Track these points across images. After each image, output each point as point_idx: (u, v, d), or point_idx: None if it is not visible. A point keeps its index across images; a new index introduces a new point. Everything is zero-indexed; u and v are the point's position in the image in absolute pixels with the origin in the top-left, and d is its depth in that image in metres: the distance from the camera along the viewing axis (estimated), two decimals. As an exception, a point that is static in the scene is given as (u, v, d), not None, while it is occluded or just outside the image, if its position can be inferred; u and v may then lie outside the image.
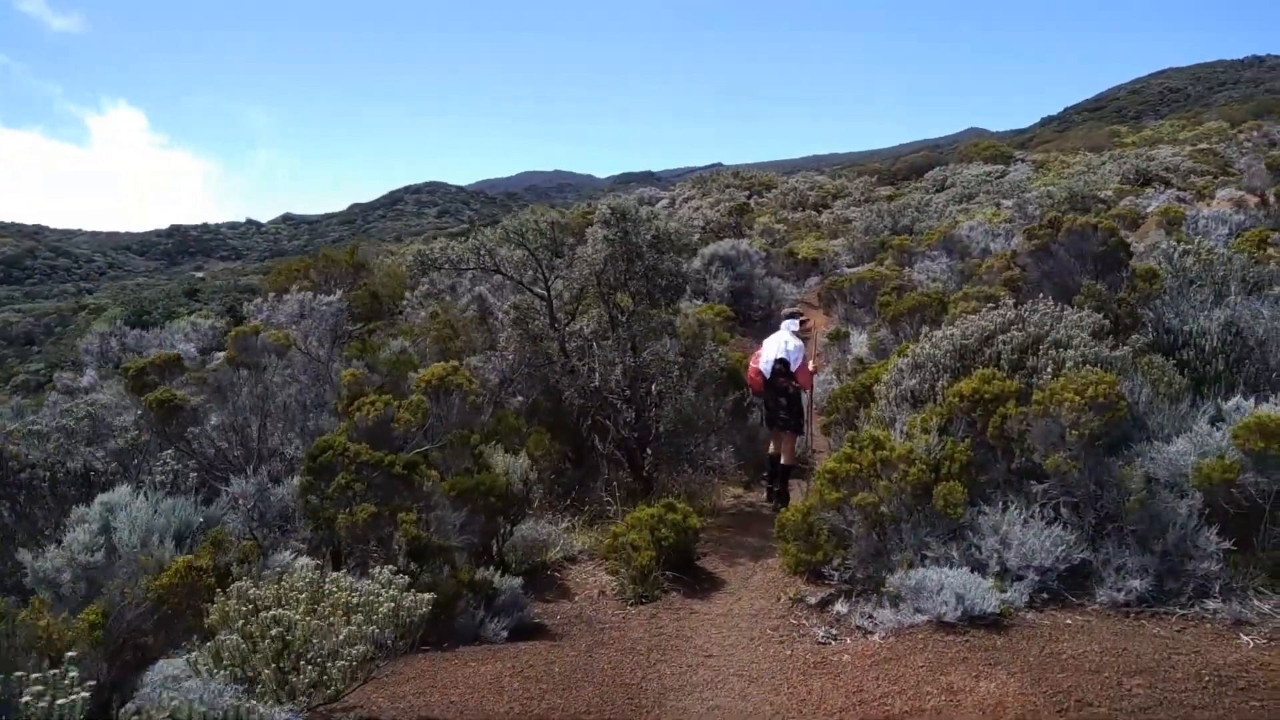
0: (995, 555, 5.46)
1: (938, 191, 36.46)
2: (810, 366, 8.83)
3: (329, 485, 5.10)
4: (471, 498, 5.58)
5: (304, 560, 4.81)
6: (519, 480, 6.83)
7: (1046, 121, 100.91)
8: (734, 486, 9.73)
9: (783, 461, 8.62)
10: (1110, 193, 27.29)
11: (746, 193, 40.86)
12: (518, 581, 6.15)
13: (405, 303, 11.74)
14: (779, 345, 8.53)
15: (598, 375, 8.60)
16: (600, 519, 8.40)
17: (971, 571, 5.30)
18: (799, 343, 8.63)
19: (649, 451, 9.20)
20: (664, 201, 40.04)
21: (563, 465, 9.67)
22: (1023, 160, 44.12)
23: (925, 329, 6.96)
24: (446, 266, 8.31)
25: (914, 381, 6.51)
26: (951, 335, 6.52)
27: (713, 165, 49.09)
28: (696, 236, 23.47)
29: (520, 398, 9.16)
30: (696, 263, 17.43)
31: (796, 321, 8.79)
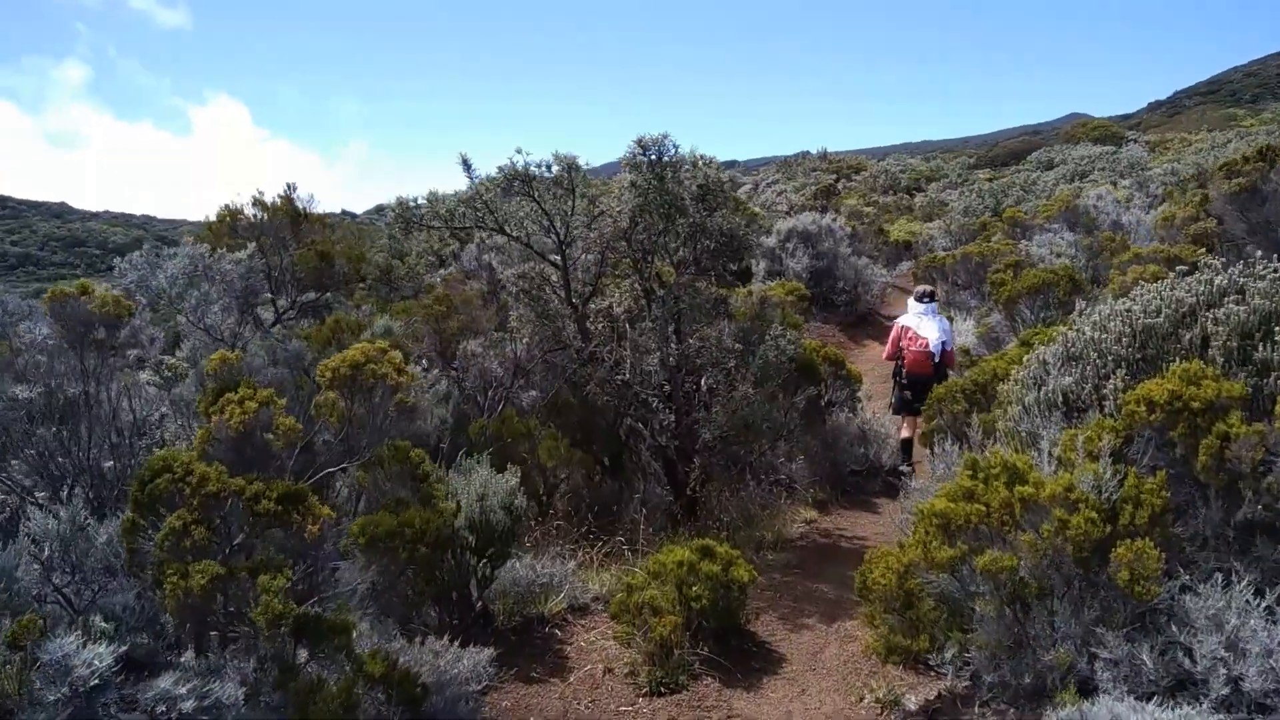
0: (1219, 667, 3.34)
1: (1045, 170, 33.37)
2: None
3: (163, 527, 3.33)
4: (392, 547, 3.72)
5: (91, 652, 3.04)
6: (499, 508, 4.96)
7: (1155, 106, 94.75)
8: (805, 509, 7.69)
9: (905, 435, 8.61)
10: (1246, 169, 24.04)
11: (834, 176, 38.48)
12: (485, 655, 4.28)
13: (429, 277, 10.05)
14: (939, 329, 8.52)
15: (628, 365, 6.67)
16: (630, 550, 6.50)
17: (1194, 706, 3.17)
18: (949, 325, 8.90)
19: (695, 462, 7.25)
20: (747, 186, 37.94)
21: (595, 477, 7.81)
22: (1135, 141, 40.54)
23: (1081, 305, 4.81)
24: (436, 225, 6.48)
25: (1068, 379, 4.39)
26: (1128, 312, 4.37)
27: (799, 153, 46.72)
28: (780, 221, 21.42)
29: (535, 392, 7.30)
30: (771, 239, 15.34)
31: (935, 305, 8.85)
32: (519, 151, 6.23)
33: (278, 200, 6.80)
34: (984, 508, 3.91)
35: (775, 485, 7.98)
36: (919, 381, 8.32)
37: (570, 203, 6.42)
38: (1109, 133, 43.32)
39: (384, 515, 3.76)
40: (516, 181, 6.11)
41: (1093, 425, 4.09)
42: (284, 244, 6.63)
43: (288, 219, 6.67)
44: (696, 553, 4.82)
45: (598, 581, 6.01)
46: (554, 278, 6.74)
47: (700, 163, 6.71)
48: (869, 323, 15.41)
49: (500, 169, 6.14)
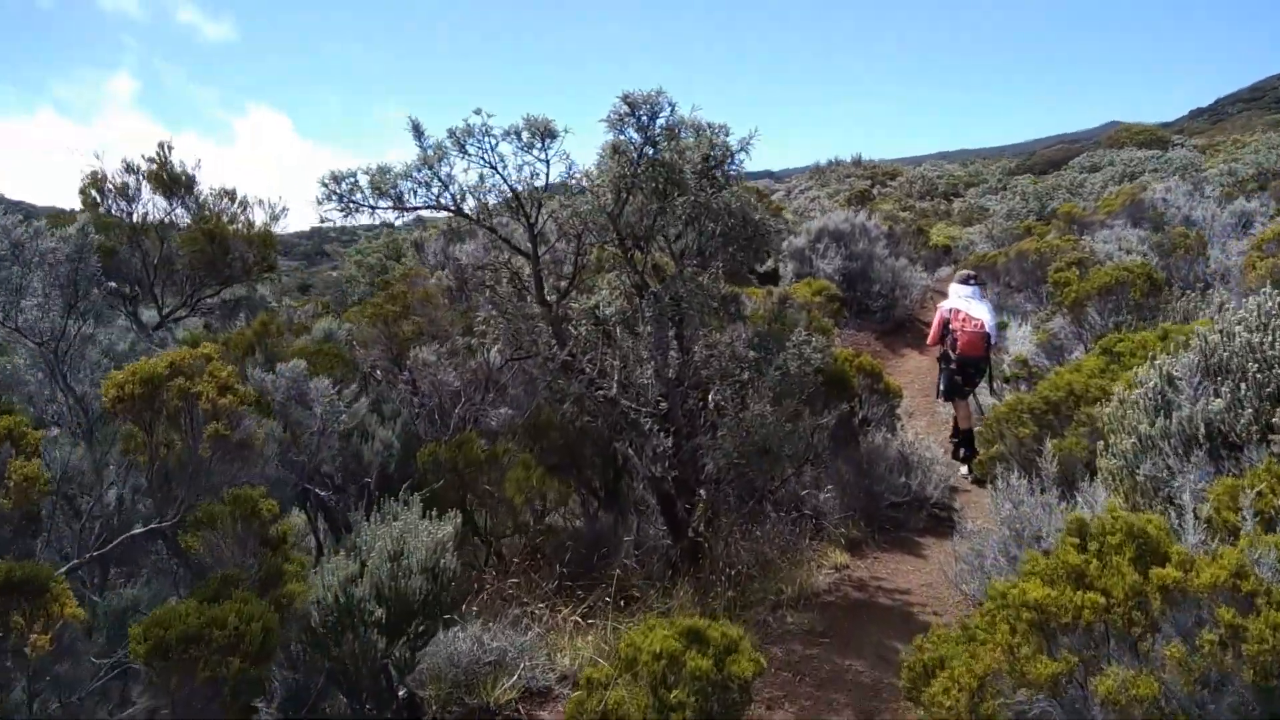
0: None
1: (1091, 173, 31.75)
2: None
3: None
4: (189, 659, 2.45)
5: None
6: (418, 570, 3.71)
7: (1197, 114, 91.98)
8: (835, 552, 6.35)
9: (963, 427, 8.46)
10: (1310, 168, 22.38)
11: (868, 181, 37.18)
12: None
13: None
14: (989, 311, 8.40)
15: (615, 379, 5.41)
16: (617, 606, 5.22)
17: None
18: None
19: (701, 494, 5.97)
20: (779, 193, 36.76)
21: (591, 509, 6.58)
22: (1181, 145, 38.74)
23: (1223, 297, 3.46)
24: (383, 206, 5.26)
25: (1217, 403, 3.03)
26: (1301, 304, 3.02)
27: (832, 160, 45.45)
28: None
29: (508, 409, 6.05)
30: (801, 239, 14.02)
31: (980, 288, 8.74)
32: (477, 112, 5.01)
33: (152, 164, 5.48)
34: (1102, 598, 2.58)
35: (799, 521, 6.65)
36: (971, 363, 8.26)
37: (544, 176, 5.18)
38: (1154, 137, 41.53)
39: (186, 607, 2.51)
40: (471, 142, 4.87)
41: (1262, 472, 2.75)
42: (168, 224, 5.37)
43: (162, 186, 5.36)
44: (681, 639, 3.51)
45: (570, 651, 4.76)
46: (525, 270, 5.49)
47: (706, 130, 5.44)
48: (908, 330, 14.00)
49: (450, 131, 4.90)
